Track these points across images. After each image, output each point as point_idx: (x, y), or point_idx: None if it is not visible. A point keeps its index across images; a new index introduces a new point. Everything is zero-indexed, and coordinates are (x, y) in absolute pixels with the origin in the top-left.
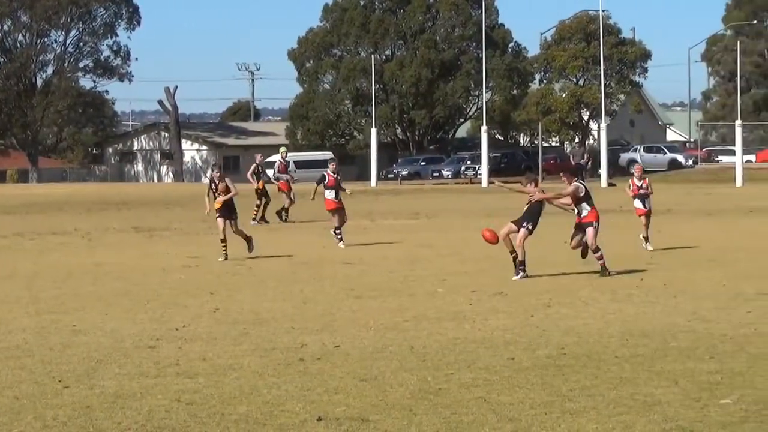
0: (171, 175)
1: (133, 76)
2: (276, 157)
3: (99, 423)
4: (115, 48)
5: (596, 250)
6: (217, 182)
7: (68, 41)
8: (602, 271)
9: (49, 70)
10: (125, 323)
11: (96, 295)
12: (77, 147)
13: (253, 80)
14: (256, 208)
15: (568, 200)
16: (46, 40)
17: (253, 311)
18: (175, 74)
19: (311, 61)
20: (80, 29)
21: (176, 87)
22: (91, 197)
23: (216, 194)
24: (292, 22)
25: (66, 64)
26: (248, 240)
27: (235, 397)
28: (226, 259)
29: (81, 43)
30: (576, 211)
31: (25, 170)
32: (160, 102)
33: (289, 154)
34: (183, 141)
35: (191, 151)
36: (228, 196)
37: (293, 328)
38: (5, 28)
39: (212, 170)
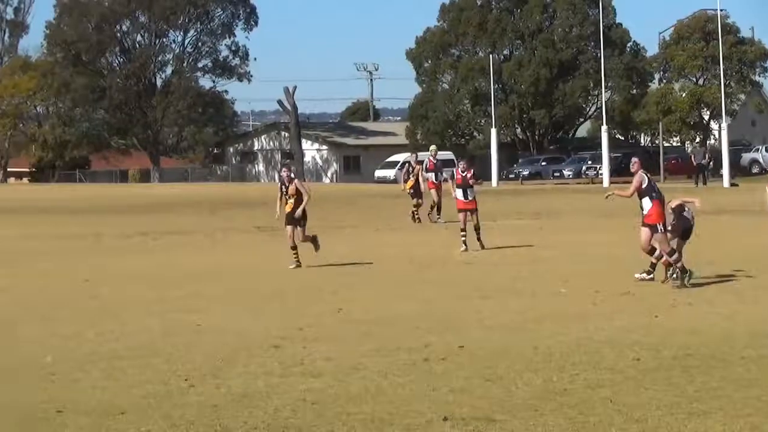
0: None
1: (252, 76)
2: (424, 155)
3: (225, 422)
4: (233, 48)
5: (671, 253)
6: (287, 184)
7: (186, 41)
8: (679, 276)
9: (168, 70)
10: (250, 323)
11: (220, 294)
12: (198, 147)
13: (371, 80)
14: (414, 208)
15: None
16: (164, 40)
17: (377, 311)
18: (294, 74)
19: (429, 61)
20: (198, 29)
21: (295, 87)
22: (213, 197)
23: (287, 197)
24: (410, 23)
25: (185, 64)
26: (314, 241)
27: (361, 397)
28: (298, 266)
29: (199, 43)
30: (641, 206)
31: (147, 170)
32: (280, 102)
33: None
34: (303, 141)
35: (311, 151)
36: (302, 204)
37: (417, 328)
38: (124, 28)
39: (281, 171)
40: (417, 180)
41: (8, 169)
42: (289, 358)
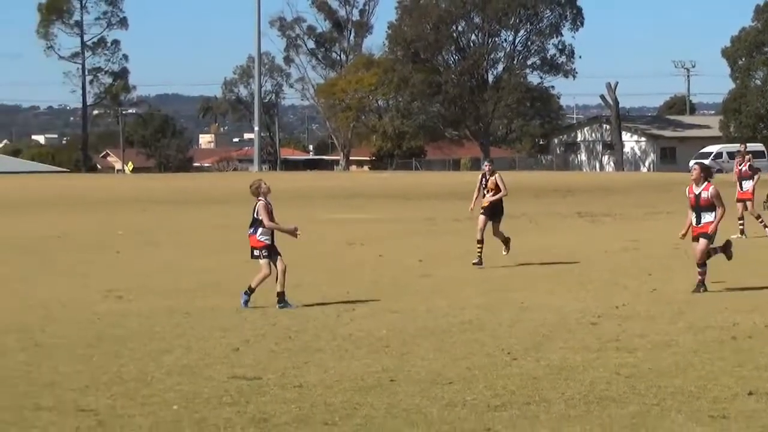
0: (612, 165)
1: (576, 72)
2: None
3: (544, 393)
4: (560, 47)
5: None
6: (487, 177)
7: (517, 40)
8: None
9: (500, 67)
10: (569, 301)
11: (542, 274)
12: (525, 138)
13: (688, 76)
14: None
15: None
16: (496, 39)
17: (688, 292)
18: (615, 71)
19: (743, 59)
20: (528, 29)
21: (617, 83)
22: (538, 184)
23: (485, 190)
24: (725, 23)
25: (515, 62)
26: (506, 242)
27: (671, 372)
28: (478, 263)
29: (529, 42)
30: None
31: (477, 159)
32: (602, 97)
33: (723, 146)
34: (623, 133)
35: (630, 143)
36: (497, 196)
37: (726, 308)
38: (459, 28)
39: (484, 165)
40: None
41: (350, 158)
42: (606, 334)
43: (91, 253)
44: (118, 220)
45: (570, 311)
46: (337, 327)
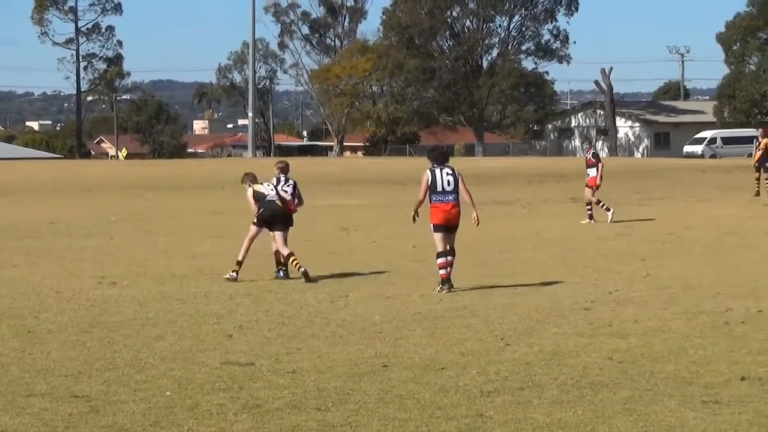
0: (606, 150)
1: (571, 58)
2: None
3: (537, 378)
4: (554, 32)
5: None
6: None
7: (511, 26)
8: None
9: (494, 52)
10: (563, 287)
11: (535, 260)
12: (519, 124)
13: (683, 62)
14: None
15: None
16: (491, 25)
17: (682, 277)
18: (610, 56)
19: (738, 44)
20: (523, 15)
21: (611, 68)
22: (532, 170)
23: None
24: (720, 7)
25: (509, 48)
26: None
27: (664, 357)
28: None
29: (523, 28)
30: None
31: (471, 145)
32: (596, 82)
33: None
34: (617, 118)
35: (624, 128)
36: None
37: (719, 294)
38: (454, 14)
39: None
40: (764, 153)
41: (344, 144)
42: (598, 319)
43: (85, 239)
44: (111, 206)
45: (563, 296)
46: (331, 313)
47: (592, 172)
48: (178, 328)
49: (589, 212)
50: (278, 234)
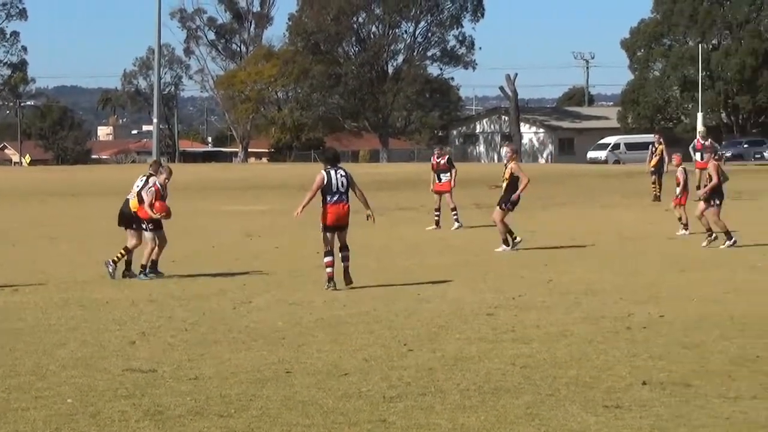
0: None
1: (476, 64)
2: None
3: (440, 384)
4: (460, 38)
5: None
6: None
7: (417, 32)
8: None
9: (400, 58)
10: (466, 292)
11: (440, 266)
12: (424, 129)
13: (587, 68)
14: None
15: None
16: (397, 30)
17: (584, 282)
18: (515, 62)
19: (642, 50)
20: (428, 21)
21: (516, 74)
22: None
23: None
24: (625, 14)
25: (415, 53)
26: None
27: (566, 362)
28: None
29: (429, 34)
30: None
31: (376, 151)
32: (501, 88)
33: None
34: (522, 124)
35: (529, 134)
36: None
37: (621, 299)
38: (360, 20)
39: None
40: (660, 159)
41: (249, 150)
42: (501, 325)
43: None
44: (14, 213)
45: (466, 302)
46: (234, 319)
47: (445, 177)
48: (80, 335)
49: (455, 216)
50: (129, 232)
